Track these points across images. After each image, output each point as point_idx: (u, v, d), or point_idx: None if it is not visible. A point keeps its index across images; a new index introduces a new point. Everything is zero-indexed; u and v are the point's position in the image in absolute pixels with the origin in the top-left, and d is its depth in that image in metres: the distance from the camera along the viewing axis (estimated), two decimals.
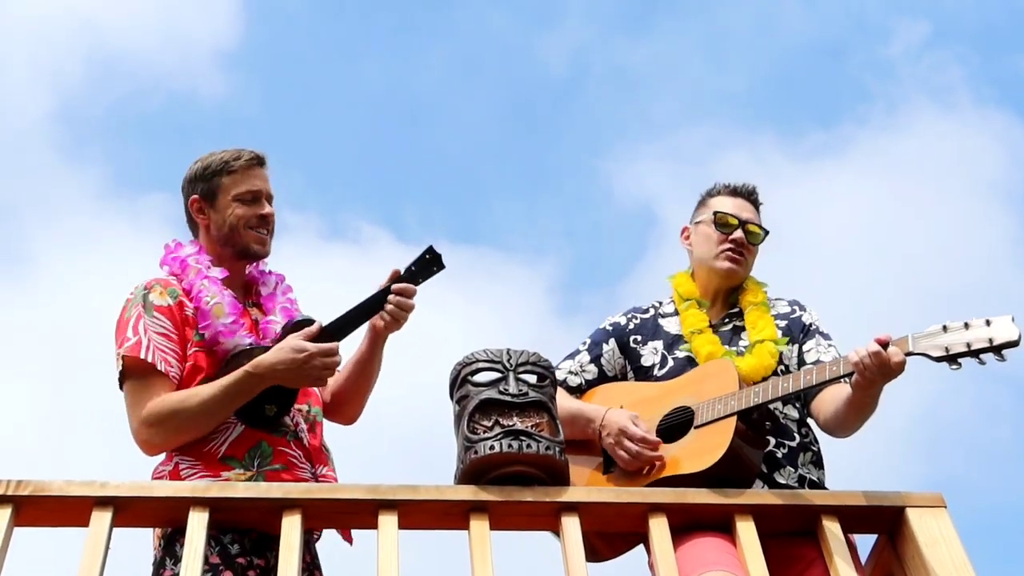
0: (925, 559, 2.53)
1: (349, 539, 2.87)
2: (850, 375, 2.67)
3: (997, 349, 2.50)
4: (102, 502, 2.50)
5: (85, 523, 2.48)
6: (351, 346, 3.05)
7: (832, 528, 2.58)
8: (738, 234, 3.11)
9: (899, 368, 2.59)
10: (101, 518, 2.48)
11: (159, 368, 2.81)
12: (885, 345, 2.58)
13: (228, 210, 3.04)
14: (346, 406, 3.08)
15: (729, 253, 3.10)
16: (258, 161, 3.09)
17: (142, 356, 2.82)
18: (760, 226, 3.16)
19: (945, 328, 2.57)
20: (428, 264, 2.96)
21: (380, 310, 2.91)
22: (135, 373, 2.85)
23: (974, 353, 2.52)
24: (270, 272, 3.16)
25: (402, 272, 2.94)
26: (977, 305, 2.64)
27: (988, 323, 2.52)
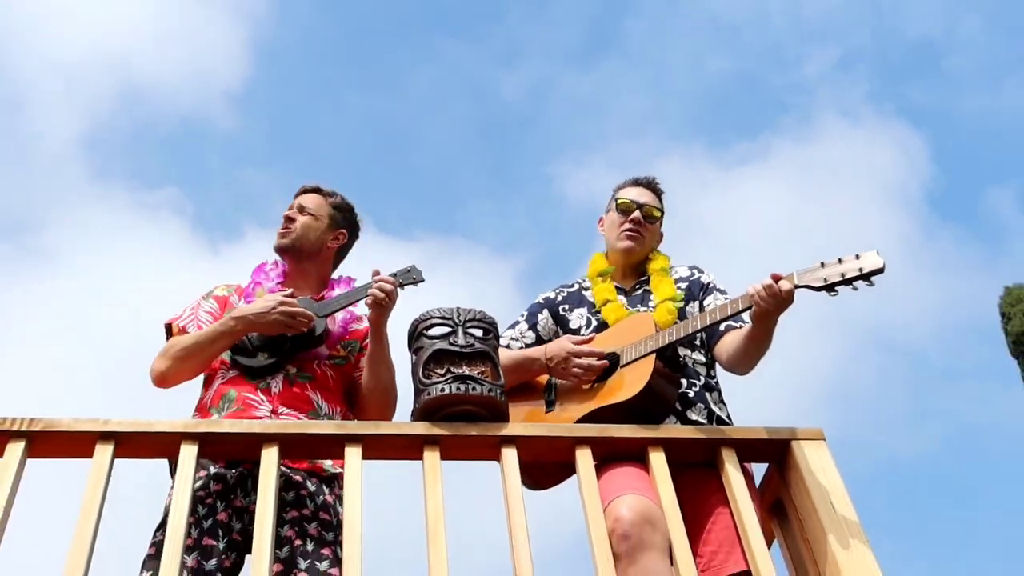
0: (807, 485, 2.84)
1: None
2: (748, 308, 3.06)
3: (866, 276, 2.83)
4: (105, 436, 2.77)
5: (90, 455, 2.76)
6: None
7: (729, 458, 2.92)
8: (636, 214, 3.60)
9: (788, 296, 2.95)
10: (104, 450, 2.75)
11: (189, 331, 3.37)
12: (777, 280, 2.97)
13: None
14: (362, 415, 3.41)
15: (627, 232, 3.59)
16: (311, 188, 3.67)
17: (175, 322, 3.41)
18: (656, 208, 3.64)
19: (823, 264, 2.90)
20: (408, 274, 3.44)
21: (363, 298, 3.35)
22: (169, 336, 3.41)
23: (848, 281, 2.84)
24: (348, 280, 3.62)
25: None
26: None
27: (857, 256, 2.84)
